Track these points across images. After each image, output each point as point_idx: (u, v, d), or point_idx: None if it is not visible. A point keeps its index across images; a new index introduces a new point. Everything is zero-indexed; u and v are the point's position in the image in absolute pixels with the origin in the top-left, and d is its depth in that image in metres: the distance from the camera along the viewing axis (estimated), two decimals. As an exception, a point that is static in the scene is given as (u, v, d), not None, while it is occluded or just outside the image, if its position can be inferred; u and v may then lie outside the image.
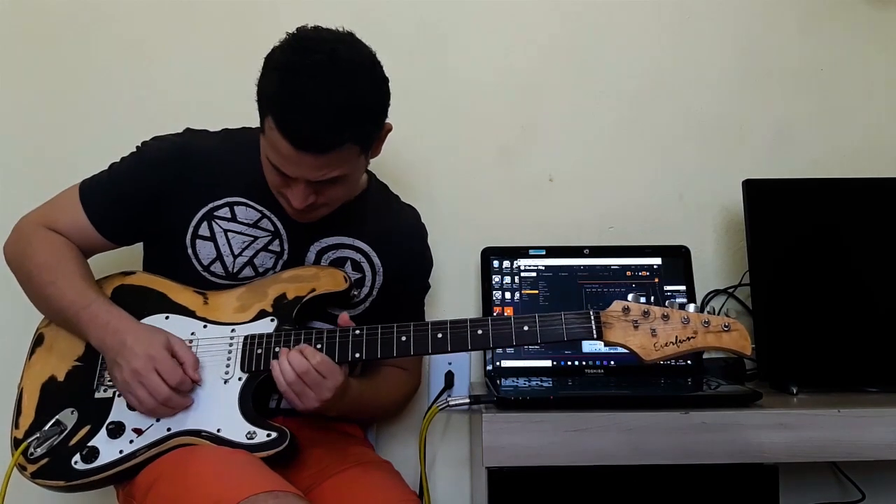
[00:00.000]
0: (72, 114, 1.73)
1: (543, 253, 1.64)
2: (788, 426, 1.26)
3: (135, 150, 1.43)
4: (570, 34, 1.78)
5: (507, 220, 1.74)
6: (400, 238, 1.50)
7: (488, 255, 1.65)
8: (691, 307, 1.23)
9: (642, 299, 1.25)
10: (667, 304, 1.24)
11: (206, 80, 1.73)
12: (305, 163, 1.25)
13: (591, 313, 1.24)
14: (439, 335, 1.27)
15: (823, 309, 1.58)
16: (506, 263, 1.64)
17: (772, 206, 1.62)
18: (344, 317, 1.32)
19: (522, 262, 1.64)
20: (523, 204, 1.75)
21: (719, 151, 1.77)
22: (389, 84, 1.30)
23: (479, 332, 1.26)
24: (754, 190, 1.62)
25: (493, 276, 1.63)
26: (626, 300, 1.24)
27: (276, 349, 1.30)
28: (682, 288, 1.63)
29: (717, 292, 1.72)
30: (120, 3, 1.75)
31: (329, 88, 1.22)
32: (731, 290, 1.72)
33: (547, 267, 1.64)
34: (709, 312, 1.24)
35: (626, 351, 1.23)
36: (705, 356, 1.63)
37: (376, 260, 1.46)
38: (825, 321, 1.58)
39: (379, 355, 1.28)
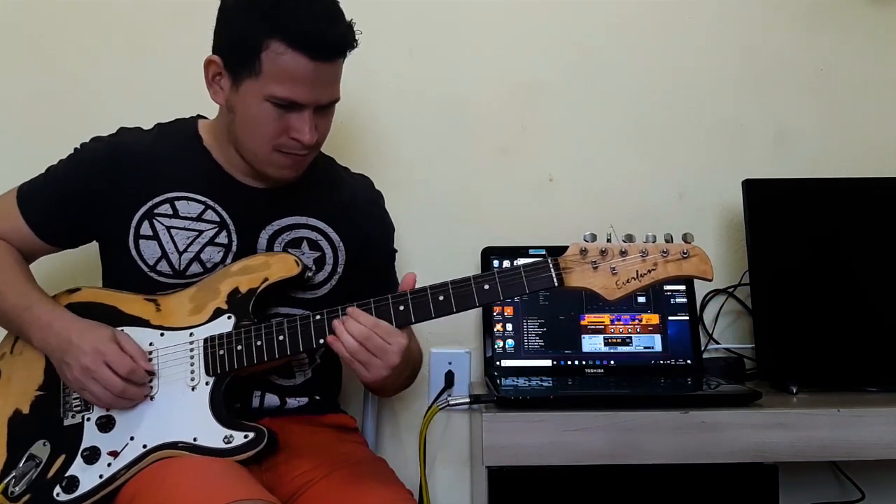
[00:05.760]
0: (68, 106, 1.72)
1: (543, 253, 1.63)
2: (788, 426, 1.26)
3: (73, 151, 1.40)
4: (570, 35, 1.78)
5: (507, 220, 1.74)
6: (356, 208, 1.45)
7: (488, 255, 1.65)
8: (650, 237, 1.20)
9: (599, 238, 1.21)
10: (623, 237, 1.20)
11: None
12: (321, 78, 1.26)
13: (550, 260, 1.21)
14: (401, 307, 1.22)
15: (823, 309, 1.58)
16: (506, 263, 1.63)
17: (772, 206, 1.62)
18: (410, 278, 1.25)
19: (522, 262, 1.63)
20: (523, 204, 1.75)
21: (719, 151, 1.77)
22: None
23: (441, 297, 1.21)
24: (754, 190, 1.63)
25: (493, 276, 1.63)
26: (584, 240, 1.21)
27: (239, 347, 1.26)
28: (682, 288, 1.63)
29: (716, 292, 1.72)
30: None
31: None
32: (730, 290, 1.72)
33: (547, 267, 1.63)
34: (666, 241, 1.19)
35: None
36: (705, 355, 1.63)
37: (334, 235, 1.42)
38: (825, 321, 1.58)
39: None
